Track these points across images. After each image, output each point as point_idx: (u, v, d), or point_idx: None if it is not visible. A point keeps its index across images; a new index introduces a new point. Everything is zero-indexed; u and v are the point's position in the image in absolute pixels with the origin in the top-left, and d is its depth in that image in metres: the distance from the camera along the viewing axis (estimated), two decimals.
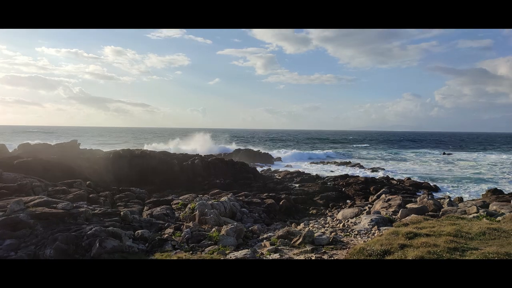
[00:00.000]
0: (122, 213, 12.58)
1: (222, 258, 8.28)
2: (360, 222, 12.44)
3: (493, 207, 13.07)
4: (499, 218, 10.18)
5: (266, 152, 49.78)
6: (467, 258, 5.51)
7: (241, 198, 18.63)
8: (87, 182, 19.06)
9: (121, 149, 29.23)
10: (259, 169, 34.55)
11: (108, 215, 12.24)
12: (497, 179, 33.32)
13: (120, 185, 21.23)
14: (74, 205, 12.43)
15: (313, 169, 39.32)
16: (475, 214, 11.49)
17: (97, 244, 8.92)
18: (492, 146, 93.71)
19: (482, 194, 22.51)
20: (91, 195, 16.36)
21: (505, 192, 21.85)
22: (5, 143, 37.60)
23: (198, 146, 54.81)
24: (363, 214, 14.37)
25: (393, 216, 13.12)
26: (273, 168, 37.94)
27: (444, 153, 65.90)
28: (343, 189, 24.19)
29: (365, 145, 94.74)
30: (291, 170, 35.36)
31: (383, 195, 18.38)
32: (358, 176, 29.69)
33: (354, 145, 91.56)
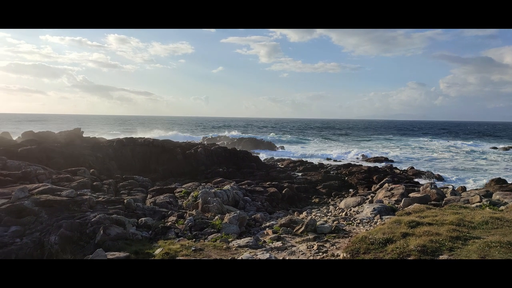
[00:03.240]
0: (125, 201, 12.66)
1: (224, 247, 8.34)
2: (362, 211, 12.46)
3: (496, 196, 13.03)
4: (502, 207, 10.15)
5: (269, 141, 49.75)
6: (469, 247, 5.50)
7: (244, 187, 18.68)
8: (91, 170, 19.16)
9: (124, 138, 29.29)
10: (262, 157, 34.57)
11: (112, 203, 12.32)
12: (501, 169, 33.18)
13: (123, 173, 21.33)
14: (78, 192, 12.51)
15: (316, 158, 39.29)
16: (478, 204, 11.46)
17: (101, 231, 9.00)
18: (497, 135, 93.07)
19: (486, 184, 22.44)
20: (94, 183, 16.46)
21: (509, 182, 21.76)
22: (9, 131, 37.79)
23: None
24: (365, 203, 14.39)
25: (396, 205, 13.13)
26: (276, 157, 37.95)
27: (448, 142, 65.57)
28: (346, 178, 24.18)
29: (368, 134, 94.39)
30: (294, 159, 35.35)
31: (386, 184, 18.38)
32: (361, 165, 29.65)
33: (358, 134, 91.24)
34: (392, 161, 38.33)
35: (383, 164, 34.39)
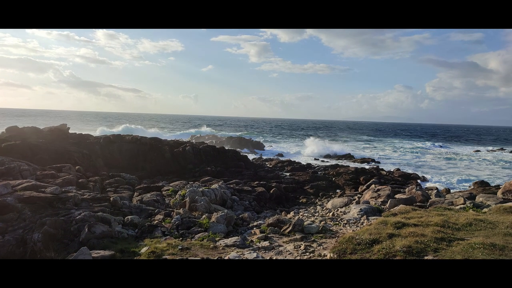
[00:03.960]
0: (111, 198, 12.50)
1: (211, 246, 8.30)
2: (349, 212, 12.57)
3: (479, 198, 13.29)
4: (485, 209, 10.36)
5: (258, 140, 49.78)
6: (454, 248, 5.59)
7: (232, 186, 18.64)
8: (77, 167, 18.85)
9: (111, 135, 28.91)
10: (250, 157, 34.57)
11: (98, 200, 12.15)
12: (484, 172, 33.90)
13: (110, 170, 21.05)
14: (63, 189, 12.30)
15: (304, 158, 39.49)
16: (462, 206, 11.67)
17: (86, 229, 8.86)
18: (480, 139, 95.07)
19: (469, 186, 22.89)
20: (80, 180, 16.21)
21: (492, 185, 22.23)
22: None
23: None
24: (352, 203, 14.51)
25: (382, 206, 13.28)
26: (264, 157, 38.00)
27: (434, 145, 66.69)
28: (333, 178, 24.36)
29: (356, 135, 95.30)
30: (282, 159, 35.45)
31: (373, 185, 18.57)
32: (348, 166, 29.91)
33: (345, 135, 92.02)
34: (379, 162, 38.80)
35: (370, 165, 34.79)
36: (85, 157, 22.52)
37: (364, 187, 19.97)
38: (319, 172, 27.12)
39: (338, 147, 54.62)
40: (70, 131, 28.08)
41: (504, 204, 10.49)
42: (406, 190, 16.58)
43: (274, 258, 7.58)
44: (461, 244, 5.63)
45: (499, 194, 13.68)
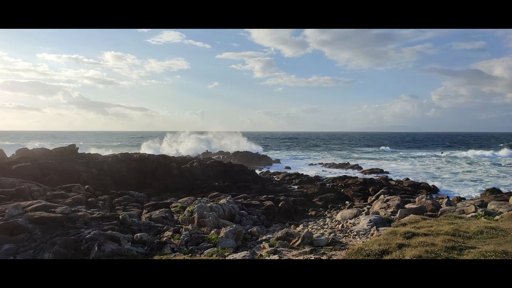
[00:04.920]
0: (120, 216, 12.57)
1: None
2: (359, 223, 12.45)
3: (491, 206, 13.11)
4: (497, 217, 10.21)
5: (265, 154, 49.80)
6: (465, 256, 5.52)
7: (240, 200, 18.62)
8: (86, 186, 19.03)
9: (119, 153, 29.19)
10: (257, 171, 34.55)
11: (107, 219, 12.23)
12: (495, 178, 33.40)
13: (118, 189, 21.19)
14: (73, 209, 12.41)
15: (312, 171, 39.34)
16: (474, 214, 11.52)
17: (96, 248, 8.91)
18: (490, 145, 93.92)
19: (481, 194, 22.55)
20: (89, 199, 16.34)
21: (503, 191, 21.90)
22: (3, 148, 37.49)
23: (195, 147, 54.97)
24: (361, 214, 14.39)
25: (392, 217, 13.15)
26: (272, 170, 37.93)
27: (442, 153, 66.05)
28: (342, 190, 24.20)
29: (363, 146, 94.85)
30: (290, 172, 35.37)
31: (382, 196, 18.41)
32: (356, 177, 29.72)
33: (353, 146, 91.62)
34: (387, 172, 38.49)
35: (379, 175, 34.52)
36: (94, 176, 22.73)
37: (373, 197, 19.80)
38: (327, 184, 26.98)
39: (345, 158, 54.42)
40: (81, 151, 28.45)
41: None
42: (416, 199, 16.41)
43: None
44: (472, 253, 5.56)
45: (511, 201, 13.48)
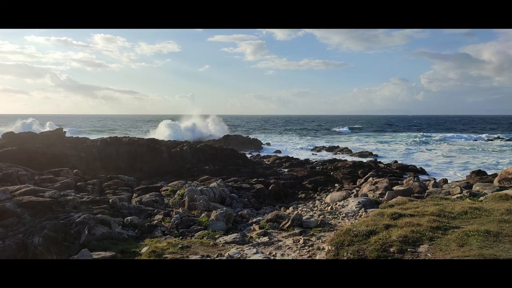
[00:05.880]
0: (110, 200, 12.54)
1: (211, 243, 8.37)
2: (347, 205, 12.66)
3: (476, 187, 13.42)
4: (481, 198, 10.47)
5: (255, 137, 49.83)
6: (448, 236, 5.68)
7: (230, 184, 18.71)
8: (74, 171, 18.87)
9: (108, 137, 28.89)
10: (248, 155, 34.62)
11: (97, 203, 12.19)
12: (481, 161, 34.09)
13: (108, 173, 21.07)
14: (62, 193, 12.33)
15: (302, 154, 39.58)
16: (459, 195, 11.79)
17: (86, 231, 8.91)
18: (477, 128, 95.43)
19: (467, 176, 23.03)
20: (78, 183, 16.23)
21: (489, 173, 22.39)
22: None
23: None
24: (350, 197, 14.62)
25: (380, 198, 13.39)
26: (262, 154, 38.05)
27: (431, 136, 66.94)
28: (332, 173, 24.45)
29: (352, 129, 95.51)
30: (280, 155, 35.53)
31: (371, 178, 18.67)
32: (346, 160, 30.02)
33: (343, 129, 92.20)
34: (376, 155, 38.92)
35: (368, 158, 34.91)
36: (83, 160, 22.53)
37: (362, 180, 20.07)
38: (317, 167, 27.20)
39: (334, 142, 54.82)
40: (69, 134, 28.05)
41: (499, 192, 10.60)
42: (404, 181, 16.71)
43: (274, 253, 7.65)
44: (456, 232, 5.72)
45: (495, 182, 13.81)
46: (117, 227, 10.02)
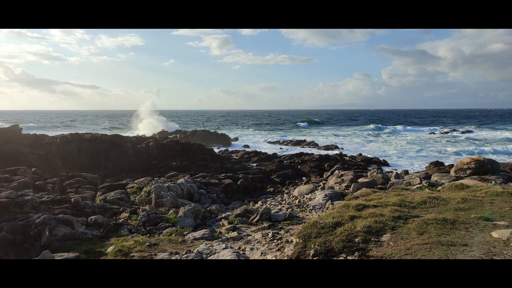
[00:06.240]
0: (72, 199, 12.07)
1: (180, 240, 8.28)
2: (315, 198, 12.94)
3: (434, 178, 14.13)
4: (439, 187, 11.04)
5: (223, 132, 49.61)
6: (409, 225, 5.95)
7: (198, 180, 18.54)
8: (32, 169, 17.94)
9: (68, 134, 27.67)
10: (216, 150, 34.43)
11: (58, 202, 11.69)
12: (440, 152, 35.91)
13: (69, 171, 20.22)
14: (19, 193, 11.71)
15: (270, 149, 39.89)
16: (419, 185, 12.36)
17: (47, 232, 8.53)
18: (434, 121, 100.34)
19: (426, 167, 24.20)
20: (37, 182, 15.46)
21: (446, 164, 23.63)
22: None
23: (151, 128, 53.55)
24: (318, 190, 14.93)
25: (346, 191, 13.78)
26: (230, 149, 37.96)
27: (394, 129, 69.59)
28: (299, 166, 24.84)
29: (318, 123, 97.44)
30: (248, 150, 35.63)
31: (337, 171, 19.14)
32: (313, 154, 30.58)
33: (309, 124, 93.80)
34: (342, 148, 39.97)
35: (334, 152, 35.78)
36: (42, 158, 21.46)
37: (329, 173, 20.55)
38: (285, 161, 27.54)
39: (301, 136, 55.71)
40: (25, 131, 26.57)
41: (455, 182, 11.24)
42: (368, 174, 17.28)
43: (243, 247, 7.70)
44: (416, 221, 6.01)
45: (452, 172, 14.60)
46: (80, 226, 9.67)
